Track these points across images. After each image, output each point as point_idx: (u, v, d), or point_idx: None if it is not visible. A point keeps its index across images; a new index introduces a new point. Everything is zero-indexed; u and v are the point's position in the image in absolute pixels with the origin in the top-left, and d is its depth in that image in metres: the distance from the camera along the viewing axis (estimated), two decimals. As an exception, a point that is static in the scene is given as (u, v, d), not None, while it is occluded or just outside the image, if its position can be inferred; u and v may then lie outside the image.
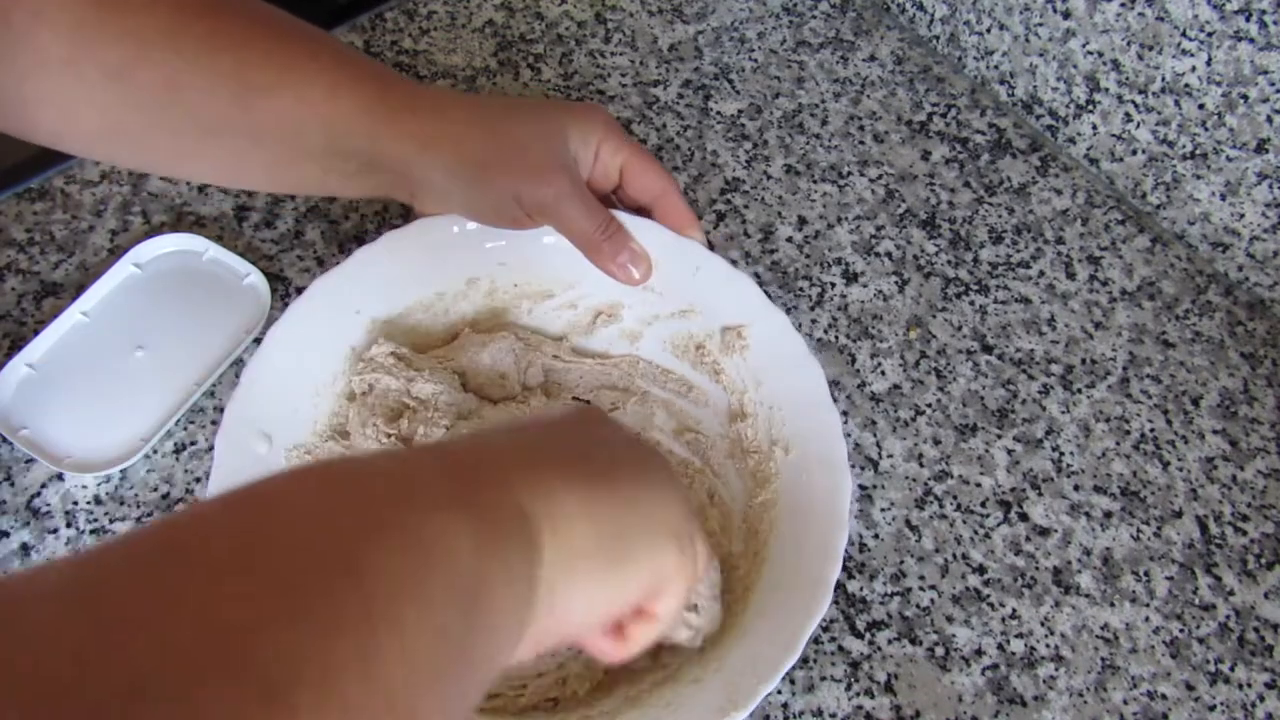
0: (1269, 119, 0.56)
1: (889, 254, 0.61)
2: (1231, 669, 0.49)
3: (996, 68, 0.69)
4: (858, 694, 0.46)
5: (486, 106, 0.45)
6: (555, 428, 0.32)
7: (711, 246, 0.50)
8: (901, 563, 0.50)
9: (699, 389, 0.52)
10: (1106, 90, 0.63)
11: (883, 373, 0.56)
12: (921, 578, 0.50)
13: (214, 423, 0.50)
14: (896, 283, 0.60)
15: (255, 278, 0.54)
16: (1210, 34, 0.57)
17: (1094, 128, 0.65)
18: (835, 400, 0.46)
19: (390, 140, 0.43)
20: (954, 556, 0.51)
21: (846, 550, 0.50)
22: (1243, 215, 0.60)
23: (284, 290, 0.55)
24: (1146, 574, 0.51)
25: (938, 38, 0.71)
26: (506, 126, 0.44)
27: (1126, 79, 0.62)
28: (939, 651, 0.48)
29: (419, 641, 0.20)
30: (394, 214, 0.59)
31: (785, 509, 0.46)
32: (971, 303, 0.60)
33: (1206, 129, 0.59)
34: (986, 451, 0.54)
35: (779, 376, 0.48)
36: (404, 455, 0.31)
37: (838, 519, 0.43)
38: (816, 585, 0.42)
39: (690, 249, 0.49)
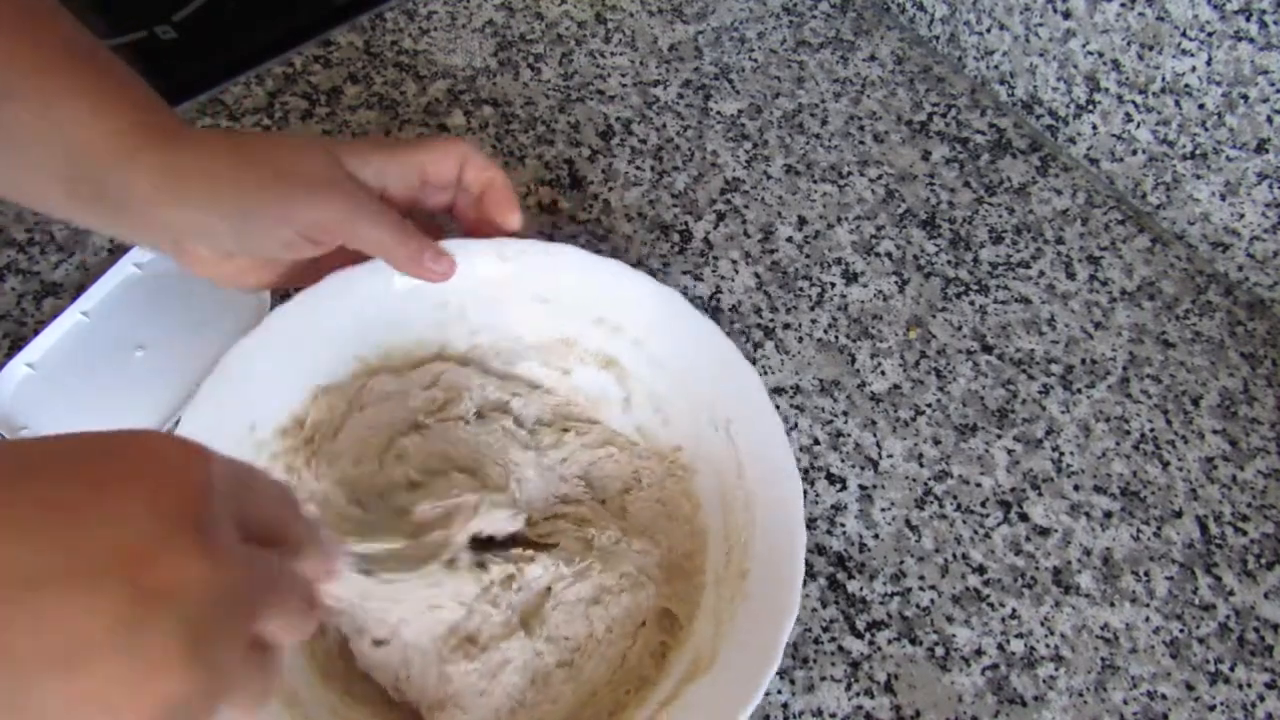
0: (1269, 119, 0.57)
1: (889, 254, 0.61)
2: (1231, 669, 0.49)
3: (996, 68, 0.69)
4: (858, 694, 0.46)
5: (248, 141, 0.43)
6: None
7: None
8: (901, 563, 0.50)
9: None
10: (1106, 90, 0.63)
11: (883, 373, 0.56)
12: (921, 578, 0.50)
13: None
14: (896, 283, 0.60)
15: (255, 278, 0.54)
16: (1210, 34, 0.57)
17: (1094, 128, 0.65)
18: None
19: (136, 172, 0.40)
20: (954, 556, 0.51)
21: (846, 550, 0.50)
22: (1243, 215, 0.60)
23: (284, 290, 0.55)
24: (1146, 574, 0.51)
25: (938, 38, 0.71)
26: (266, 156, 0.42)
27: (1126, 79, 0.62)
28: (939, 651, 0.48)
29: None
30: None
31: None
32: (971, 303, 0.60)
33: (1206, 129, 0.59)
34: (986, 451, 0.54)
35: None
36: None
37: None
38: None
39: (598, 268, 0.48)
